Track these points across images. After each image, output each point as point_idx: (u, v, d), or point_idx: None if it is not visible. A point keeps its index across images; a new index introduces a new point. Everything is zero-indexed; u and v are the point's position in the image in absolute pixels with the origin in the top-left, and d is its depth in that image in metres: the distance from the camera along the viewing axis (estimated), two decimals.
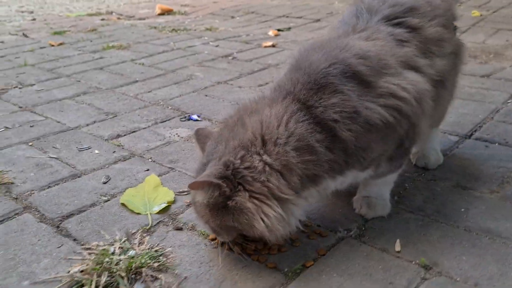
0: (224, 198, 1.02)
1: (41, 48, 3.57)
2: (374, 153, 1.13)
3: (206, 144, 1.14)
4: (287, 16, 4.69)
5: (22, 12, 5.41)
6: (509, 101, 2.11)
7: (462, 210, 1.31)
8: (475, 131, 1.82)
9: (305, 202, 1.10)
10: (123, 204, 1.40)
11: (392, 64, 1.16)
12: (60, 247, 1.22)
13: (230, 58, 3.13)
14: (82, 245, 1.22)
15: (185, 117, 2.12)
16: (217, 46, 3.49)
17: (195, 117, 2.11)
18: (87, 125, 2.05)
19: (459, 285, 1.03)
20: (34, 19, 4.90)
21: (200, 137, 1.18)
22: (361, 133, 1.07)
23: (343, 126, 1.05)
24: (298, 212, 1.08)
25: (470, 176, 1.49)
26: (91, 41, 3.79)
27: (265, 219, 1.00)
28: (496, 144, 1.70)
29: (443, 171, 1.53)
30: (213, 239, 1.22)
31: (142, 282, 1.08)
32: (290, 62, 1.20)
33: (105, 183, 1.54)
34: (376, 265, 1.11)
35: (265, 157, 1.03)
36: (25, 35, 4.02)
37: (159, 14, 5.16)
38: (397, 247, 1.17)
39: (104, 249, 1.15)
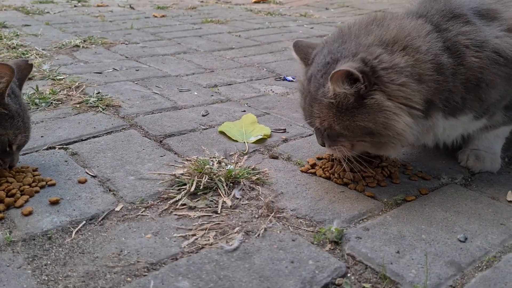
0: (357, 95, 0.98)
1: (145, 18, 3.77)
2: (495, 93, 1.06)
3: (309, 54, 1.13)
4: (384, 11, 4.58)
5: None
6: None
7: None
8: None
9: (417, 129, 1.05)
10: (221, 133, 1.43)
11: None
12: (163, 156, 1.27)
13: (325, 38, 3.09)
14: (183, 157, 1.26)
15: (280, 77, 2.13)
16: (311, 28, 3.49)
17: (290, 78, 2.12)
18: (187, 75, 2.13)
19: None
20: None
21: (301, 47, 1.17)
22: (488, 64, 1.01)
23: (473, 52, 1.01)
24: (416, 128, 1.03)
25: None
26: (191, 16, 3.95)
27: (401, 121, 0.97)
28: None
29: None
30: (305, 171, 1.21)
31: (240, 189, 1.09)
32: None
33: (204, 115, 1.58)
34: (485, 208, 1.04)
35: (405, 59, 0.99)
36: (131, 7, 4.28)
37: (255, 2, 5.26)
38: (509, 197, 1.08)
39: (204, 160, 1.18)
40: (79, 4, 4.40)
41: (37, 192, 1.07)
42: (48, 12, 3.84)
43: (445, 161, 1.27)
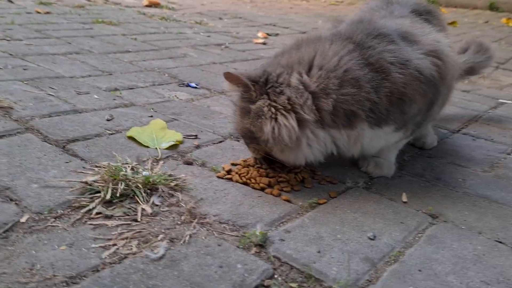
0: (249, 101, 1.10)
1: (27, 13, 3.47)
2: (414, 108, 1.18)
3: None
4: (274, 25, 4.79)
5: None
6: (489, 110, 2.24)
7: (460, 180, 1.38)
8: (462, 128, 1.92)
9: (328, 139, 1.13)
10: (130, 138, 1.38)
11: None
12: (68, 162, 1.18)
13: (222, 46, 3.15)
14: (91, 164, 1.19)
15: (184, 83, 2.11)
16: (208, 36, 3.52)
17: (193, 84, 2.11)
18: (83, 77, 2.01)
19: (464, 232, 1.08)
20: None
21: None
22: (411, 80, 1.13)
23: (397, 68, 1.11)
24: (315, 143, 1.11)
25: (463, 158, 1.56)
26: (79, 15, 3.72)
27: (275, 126, 1.07)
28: (482, 139, 1.80)
29: (438, 152, 1.60)
30: (222, 177, 1.22)
31: (158, 196, 1.06)
32: (351, 19, 1.28)
33: (109, 120, 1.51)
34: (386, 208, 1.15)
35: (305, 77, 1.06)
36: (10, 1, 3.89)
37: (146, 6, 5.14)
38: (404, 199, 1.21)
39: (117, 166, 1.13)
40: None
41: None
42: None
43: (347, 167, 1.37)
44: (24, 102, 1.55)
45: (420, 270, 0.90)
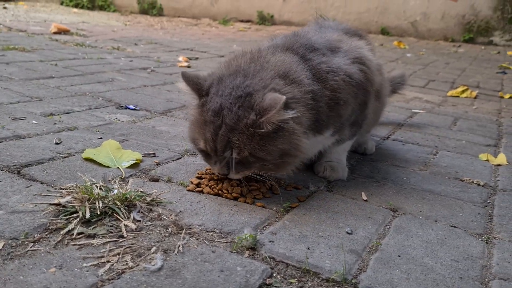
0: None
1: None
2: (348, 110, 1.29)
3: (201, 85, 1.18)
4: (192, 50, 4.85)
5: None
6: (407, 120, 2.48)
7: (404, 178, 1.52)
8: (390, 135, 2.10)
9: None
10: (86, 159, 1.33)
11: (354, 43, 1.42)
12: (29, 186, 1.11)
13: (148, 70, 3.13)
14: (54, 187, 1.13)
15: (122, 106, 2.07)
16: (131, 61, 3.47)
17: (132, 106, 2.08)
18: (11, 103, 1.88)
19: (423, 220, 1.19)
20: None
21: (190, 78, 1.19)
22: (343, 85, 1.23)
23: (332, 76, 1.21)
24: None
25: (400, 160, 1.72)
26: None
27: (304, 141, 1.15)
28: (410, 144, 1.99)
29: (378, 156, 1.74)
30: (192, 190, 1.22)
31: (138, 212, 1.04)
32: (284, 35, 1.37)
33: (57, 143, 1.44)
34: (352, 206, 1.23)
35: (297, 90, 1.14)
36: None
37: (55, 32, 4.92)
38: (364, 197, 1.31)
39: (87, 186, 1.09)
40: None
41: None
42: None
43: (305, 173, 1.44)
44: None
45: (399, 256, 0.99)
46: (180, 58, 3.95)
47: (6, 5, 7.57)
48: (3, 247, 0.86)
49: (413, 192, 1.39)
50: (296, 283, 0.86)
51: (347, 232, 1.07)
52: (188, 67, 3.49)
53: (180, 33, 6.44)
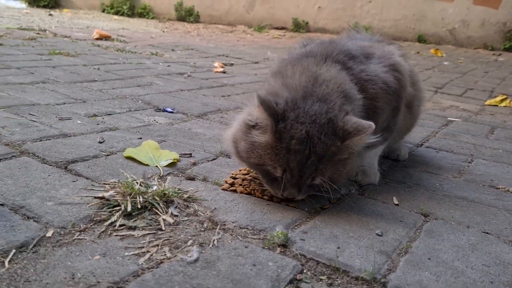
0: None
1: None
2: (383, 117, 1.31)
3: (276, 109, 1.10)
4: (227, 56, 4.93)
5: None
6: (442, 127, 2.45)
7: (437, 185, 1.51)
8: (424, 143, 2.09)
9: None
10: (128, 158, 1.40)
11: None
12: (75, 181, 1.19)
13: (185, 75, 3.22)
14: (98, 182, 1.20)
15: (160, 109, 2.15)
16: (168, 66, 3.57)
17: (169, 109, 2.15)
18: (58, 104, 1.99)
19: (455, 226, 1.19)
20: None
21: (265, 101, 1.09)
22: (381, 94, 1.26)
23: (371, 84, 1.24)
24: None
25: (433, 167, 1.71)
26: (33, 46, 3.65)
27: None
28: (444, 151, 1.97)
29: (410, 163, 1.74)
30: (226, 189, 1.27)
31: (175, 207, 1.09)
32: (319, 42, 1.40)
33: (101, 142, 1.52)
34: (383, 210, 1.24)
35: (354, 106, 1.19)
36: None
37: (97, 39, 5.11)
38: (395, 201, 1.32)
39: (128, 182, 1.15)
40: None
41: None
42: None
43: None
44: (10, 128, 1.53)
45: (429, 259, 1.00)
46: (216, 64, 4.04)
47: (52, 12, 7.91)
48: (52, 235, 0.92)
49: (445, 198, 1.39)
50: (326, 280, 0.89)
51: (377, 234, 1.08)
52: (224, 72, 3.57)
53: (216, 40, 6.56)
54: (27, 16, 6.62)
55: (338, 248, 1.00)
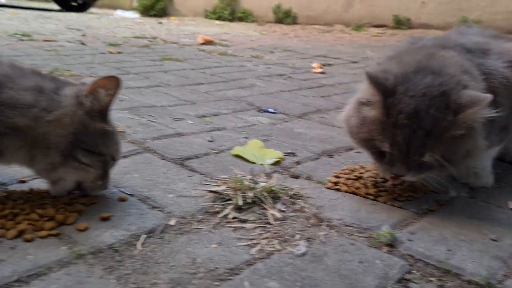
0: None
1: (101, 53, 3.74)
2: (503, 112, 1.24)
3: (386, 85, 1.10)
4: (325, 56, 4.92)
5: (71, 29, 5.67)
6: None
7: None
8: None
9: None
10: (235, 156, 1.48)
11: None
12: (191, 176, 1.29)
13: (285, 76, 3.29)
14: (211, 177, 1.29)
15: (262, 109, 2.23)
16: (268, 68, 3.67)
17: (271, 110, 2.22)
18: (170, 106, 2.16)
19: None
20: (84, 35, 5.14)
21: (374, 77, 1.09)
22: (501, 89, 1.20)
23: (491, 78, 1.20)
24: None
25: None
26: (146, 53, 3.97)
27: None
28: None
29: None
30: (330, 188, 1.29)
31: (282, 203, 1.14)
32: (432, 37, 1.37)
33: (210, 141, 1.62)
34: (498, 214, 1.18)
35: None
36: (82, 44, 4.21)
37: (201, 44, 5.40)
38: (510, 206, 1.24)
39: (238, 178, 1.22)
40: (25, 38, 4.24)
41: (81, 210, 1.04)
42: None
43: (444, 178, 1.41)
44: (133, 127, 1.70)
45: None
46: (314, 65, 4.06)
47: (161, 20, 8.52)
48: (175, 223, 1.03)
49: None
50: (436, 282, 0.88)
51: (492, 239, 1.04)
52: (322, 73, 3.58)
53: (313, 40, 6.57)
54: (140, 25, 7.20)
55: (449, 250, 0.97)
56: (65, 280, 0.80)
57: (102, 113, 1.03)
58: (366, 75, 1.10)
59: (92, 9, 10.35)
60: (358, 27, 8.40)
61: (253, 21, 9.44)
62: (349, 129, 1.21)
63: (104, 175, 1.06)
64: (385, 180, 1.29)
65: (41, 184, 1.13)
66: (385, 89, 1.09)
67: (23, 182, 1.17)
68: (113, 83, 1.00)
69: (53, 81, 1.02)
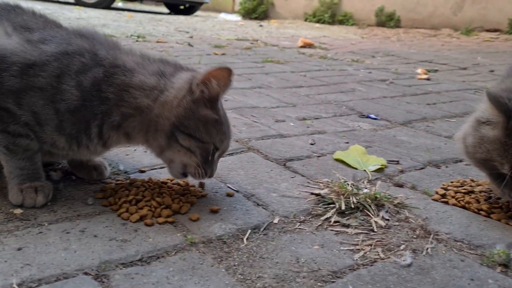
0: None
1: (207, 55, 3.93)
2: None
3: (507, 104, 1.05)
4: (430, 62, 4.69)
5: (180, 31, 6.03)
6: None
7: None
8: None
9: None
10: (337, 160, 1.48)
11: None
12: (293, 177, 1.32)
13: (387, 82, 3.19)
14: (313, 180, 1.31)
15: (363, 115, 2.19)
16: (369, 72, 3.60)
17: (373, 116, 2.18)
18: (272, 107, 2.21)
19: None
20: (191, 37, 5.44)
21: (496, 98, 1.06)
22: None
23: None
24: None
25: None
26: (248, 55, 4.10)
27: None
28: None
29: None
30: (437, 200, 1.24)
31: (386, 212, 1.12)
32: None
33: (312, 144, 1.64)
34: None
35: None
36: (190, 45, 4.46)
37: (301, 47, 5.44)
38: None
39: (341, 183, 1.23)
40: (140, 39, 4.60)
41: (194, 201, 1.11)
42: None
43: None
44: (238, 127, 1.77)
45: None
46: (419, 70, 3.90)
47: (262, 23, 8.72)
48: (278, 222, 1.06)
49: None
50: None
51: None
52: (428, 79, 3.42)
53: (417, 45, 6.30)
54: (242, 28, 7.44)
55: None
56: (180, 264, 0.86)
57: (210, 102, 1.04)
58: (487, 95, 1.06)
59: (198, 12, 10.89)
60: (468, 31, 7.89)
61: (353, 24, 9.29)
62: (466, 148, 1.16)
63: (206, 163, 1.05)
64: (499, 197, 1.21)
65: (158, 174, 1.23)
66: (508, 110, 1.05)
67: (143, 172, 1.28)
68: (225, 74, 1.03)
69: (174, 67, 1.10)
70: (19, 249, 0.86)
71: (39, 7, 7.20)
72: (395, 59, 4.73)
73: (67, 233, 0.94)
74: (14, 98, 0.97)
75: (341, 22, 9.44)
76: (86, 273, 0.81)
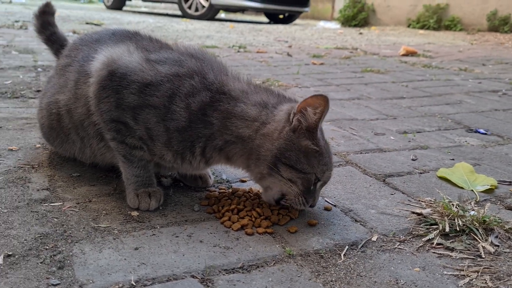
0: None
1: (306, 64, 3.96)
2: None
3: None
4: None
5: (279, 41, 6.15)
6: None
7: None
8: None
9: None
10: (440, 178, 1.42)
11: None
12: (393, 194, 1.29)
13: (499, 93, 2.97)
14: (414, 198, 1.27)
15: (471, 129, 2.06)
16: (479, 83, 3.36)
17: (482, 130, 2.04)
18: (371, 120, 2.17)
19: None
20: (290, 46, 5.52)
21: None
22: None
23: None
24: None
25: None
26: (347, 65, 4.06)
27: None
28: None
29: None
30: None
31: (495, 237, 1.06)
32: None
33: (414, 160, 1.59)
34: None
35: None
36: (289, 55, 4.54)
37: (403, 55, 5.24)
38: None
39: (445, 203, 1.17)
40: (241, 50, 4.78)
41: (294, 216, 1.14)
42: (218, 56, 4.22)
43: None
44: (336, 139, 1.78)
45: None
46: None
47: (361, 30, 8.56)
48: (376, 240, 1.05)
49: None
50: None
51: None
52: None
53: None
54: (340, 36, 7.37)
55: None
56: (279, 275, 0.89)
57: (309, 132, 1.04)
58: None
59: (297, 21, 10.99)
60: None
61: (461, 30, 8.73)
62: None
63: (307, 193, 1.06)
64: None
65: (258, 186, 1.29)
66: None
67: (243, 181, 1.34)
68: (322, 102, 1.01)
69: (278, 97, 1.14)
70: (136, 248, 0.96)
71: (151, 21, 7.81)
72: (509, 68, 4.37)
73: (176, 236, 1.02)
74: (132, 114, 1.08)
75: (447, 28, 8.93)
76: (193, 276, 0.88)
